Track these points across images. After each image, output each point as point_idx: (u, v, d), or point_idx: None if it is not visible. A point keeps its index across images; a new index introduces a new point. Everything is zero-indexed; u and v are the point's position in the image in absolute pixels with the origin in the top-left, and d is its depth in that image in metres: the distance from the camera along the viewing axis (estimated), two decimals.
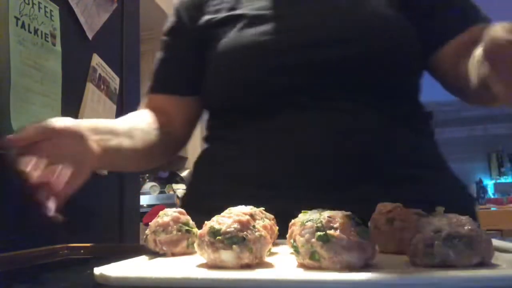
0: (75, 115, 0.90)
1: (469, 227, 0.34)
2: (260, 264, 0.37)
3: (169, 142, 0.74)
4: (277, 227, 0.47)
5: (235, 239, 0.34)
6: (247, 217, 0.37)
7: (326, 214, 0.36)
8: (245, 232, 0.35)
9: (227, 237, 0.35)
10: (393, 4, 0.68)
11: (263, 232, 0.37)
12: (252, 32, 0.67)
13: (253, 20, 0.68)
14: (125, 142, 0.61)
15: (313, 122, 0.62)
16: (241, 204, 0.41)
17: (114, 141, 0.58)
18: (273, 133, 0.64)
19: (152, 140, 0.69)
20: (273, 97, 0.65)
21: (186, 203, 0.72)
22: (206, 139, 0.76)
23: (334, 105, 0.63)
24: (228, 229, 0.35)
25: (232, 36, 0.68)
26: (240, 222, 0.36)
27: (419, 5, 0.69)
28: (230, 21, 0.70)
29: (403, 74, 0.67)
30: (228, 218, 0.36)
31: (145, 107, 0.76)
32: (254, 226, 0.36)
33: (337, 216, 0.36)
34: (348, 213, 0.37)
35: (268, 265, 0.37)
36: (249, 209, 0.45)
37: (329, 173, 0.60)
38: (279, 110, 0.64)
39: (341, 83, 0.63)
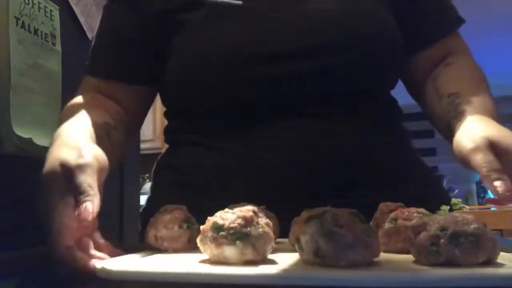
0: None
1: (475, 225, 0.34)
2: (263, 260, 0.36)
3: (127, 131, 0.66)
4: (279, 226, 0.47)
5: (238, 235, 0.34)
6: (251, 213, 0.36)
7: (331, 211, 0.36)
8: (248, 228, 0.35)
9: (230, 233, 0.34)
10: (382, 2, 0.63)
11: (267, 229, 0.36)
12: (225, 29, 0.59)
13: (221, 10, 0.59)
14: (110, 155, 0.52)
15: (300, 133, 0.58)
16: None
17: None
18: (258, 144, 0.58)
19: (119, 139, 0.62)
20: (253, 108, 0.59)
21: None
22: (173, 141, 0.68)
23: (318, 113, 0.58)
24: (232, 225, 0.35)
25: (200, 32, 0.60)
26: (243, 218, 0.35)
27: (405, 7, 0.64)
28: (190, 6, 0.61)
29: (391, 79, 0.65)
30: (231, 214, 0.36)
31: (87, 91, 0.66)
32: (257, 223, 0.36)
33: (342, 213, 0.36)
34: (353, 210, 0.36)
35: (271, 262, 0.37)
36: (252, 206, 0.45)
37: (317, 183, 0.57)
38: (262, 120, 0.58)
39: (327, 92, 0.59)
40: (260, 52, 0.58)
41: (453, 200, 2.05)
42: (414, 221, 0.41)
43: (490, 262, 0.34)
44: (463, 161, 0.46)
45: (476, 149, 0.44)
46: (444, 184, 2.49)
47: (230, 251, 0.35)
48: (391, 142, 0.62)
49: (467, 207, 2.19)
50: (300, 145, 0.57)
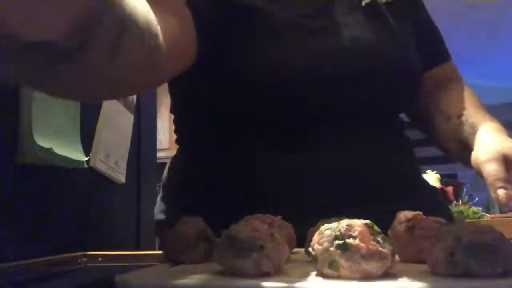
0: (94, 126, 0.91)
1: (492, 235, 0.34)
2: (278, 272, 0.37)
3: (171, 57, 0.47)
4: (295, 236, 0.47)
5: (253, 247, 0.34)
6: (266, 225, 0.37)
7: (345, 222, 0.36)
8: (263, 240, 0.35)
9: (245, 245, 0.35)
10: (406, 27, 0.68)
11: (282, 241, 0.37)
12: (297, 46, 0.60)
13: (296, 28, 0.60)
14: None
15: (334, 148, 0.62)
16: None
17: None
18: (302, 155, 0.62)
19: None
20: (308, 123, 0.63)
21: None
22: (193, 148, 0.69)
23: (355, 131, 0.63)
24: (247, 237, 0.35)
25: (276, 47, 0.59)
26: (258, 230, 0.36)
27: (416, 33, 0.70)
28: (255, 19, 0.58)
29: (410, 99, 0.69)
30: (246, 226, 0.36)
31: None
32: (272, 234, 0.36)
33: (356, 224, 0.36)
34: (367, 221, 0.36)
35: (286, 274, 0.37)
36: (267, 217, 0.45)
37: (339, 195, 0.60)
38: (305, 135, 0.62)
39: (369, 113, 0.64)
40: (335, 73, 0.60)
41: (473, 209, 2.00)
42: (431, 230, 0.41)
43: (509, 272, 0.33)
44: (478, 171, 0.49)
45: (489, 160, 0.48)
46: (464, 192, 2.44)
47: (245, 264, 0.35)
48: (405, 157, 0.67)
49: (488, 215, 2.14)
50: (333, 158, 0.61)
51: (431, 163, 2.82)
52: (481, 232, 0.34)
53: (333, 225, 0.36)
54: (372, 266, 0.33)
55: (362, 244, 0.34)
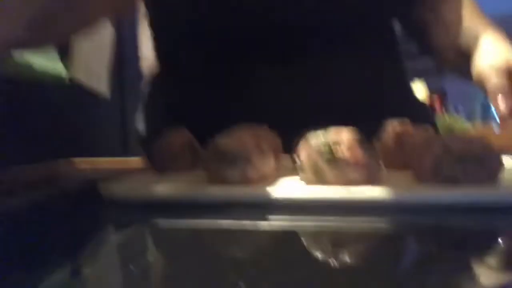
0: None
1: (481, 145, 0.33)
2: (264, 180, 0.37)
3: None
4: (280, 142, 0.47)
5: (239, 158, 0.34)
6: (251, 134, 0.35)
7: (332, 132, 0.35)
8: (248, 151, 0.34)
9: (231, 157, 0.34)
10: None
11: (267, 149, 0.36)
12: None
13: None
14: None
15: (305, 69, 0.59)
16: None
17: None
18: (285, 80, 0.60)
19: None
20: (293, 36, 0.59)
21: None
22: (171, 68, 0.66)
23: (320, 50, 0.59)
24: (232, 149, 0.34)
25: None
26: (243, 141, 0.35)
27: None
28: None
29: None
30: (231, 138, 0.35)
31: None
32: (257, 145, 0.35)
33: (343, 134, 0.35)
34: (353, 131, 0.36)
35: (272, 182, 0.37)
36: (253, 127, 0.44)
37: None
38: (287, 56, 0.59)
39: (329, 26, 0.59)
40: None
41: (456, 118, 2.04)
42: (419, 139, 0.41)
43: (494, 181, 0.34)
44: (480, 79, 0.47)
45: (491, 70, 0.46)
46: (448, 102, 2.47)
47: (231, 172, 0.35)
48: (393, 78, 0.65)
49: (471, 125, 2.19)
50: (304, 81, 0.59)
51: (419, 74, 2.80)
52: (469, 142, 0.34)
53: (320, 135, 0.35)
54: (357, 174, 0.33)
55: (348, 154, 0.33)
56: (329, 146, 0.34)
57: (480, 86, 0.48)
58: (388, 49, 0.67)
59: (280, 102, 0.61)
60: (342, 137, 0.35)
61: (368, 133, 0.48)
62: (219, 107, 0.62)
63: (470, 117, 2.49)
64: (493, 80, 0.45)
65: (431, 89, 2.43)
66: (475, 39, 0.55)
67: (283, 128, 0.47)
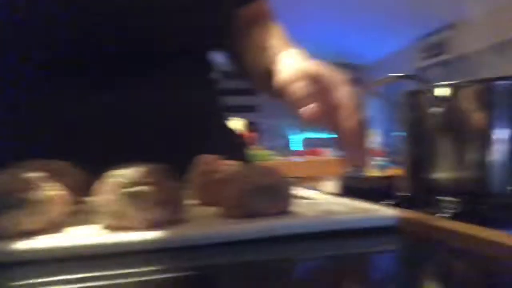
0: None
1: (275, 177, 0.36)
2: (52, 227, 0.31)
3: None
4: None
5: (11, 201, 0.27)
6: (36, 174, 0.29)
7: (135, 167, 0.33)
8: (26, 192, 0.28)
9: (2, 200, 0.27)
10: None
11: (57, 190, 0.30)
12: None
13: None
14: None
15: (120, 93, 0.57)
16: None
17: None
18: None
19: None
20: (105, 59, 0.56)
21: None
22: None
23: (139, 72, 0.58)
24: (4, 190, 0.27)
25: None
26: (20, 180, 0.28)
27: None
28: None
29: (211, 36, 0.66)
30: (6, 176, 0.28)
31: None
32: (40, 185, 0.29)
33: (148, 170, 0.32)
34: (161, 166, 0.34)
35: (62, 229, 0.31)
36: (45, 163, 0.37)
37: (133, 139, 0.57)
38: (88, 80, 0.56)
39: (147, 50, 0.58)
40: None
41: (265, 151, 2.27)
42: (225, 173, 0.41)
43: (286, 210, 0.36)
44: (282, 93, 0.47)
45: (291, 79, 0.46)
46: (263, 138, 2.75)
47: (5, 221, 0.28)
48: (205, 103, 0.65)
49: (279, 158, 2.48)
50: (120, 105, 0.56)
51: (239, 111, 3.05)
52: (268, 175, 0.36)
53: (122, 171, 0.32)
54: (162, 214, 0.31)
55: (154, 191, 0.31)
56: (130, 184, 0.31)
57: (284, 97, 0.47)
58: (205, 83, 0.68)
59: (91, 132, 0.56)
60: (144, 175, 0.32)
61: (181, 167, 0.47)
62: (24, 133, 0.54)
63: (282, 150, 2.82)
64: (294, 85, 0.44)
65: (249, 125, 2.66)
66: (276, 56, 0.57)
67: (93, 163, 0.42)
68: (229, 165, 0.44)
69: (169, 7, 0.57)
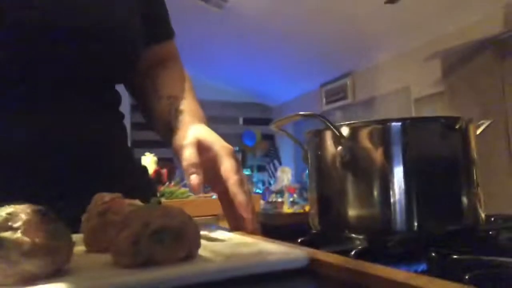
0: None
1: (179, 219, 0.33)
2: None
3: None
4: None
5: None
6: None
7: (7, 210, 0.27)
8: None
9: None
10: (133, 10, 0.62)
11: None
12: None
13: None
14: None
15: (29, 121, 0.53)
16: None
17: None
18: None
19: None
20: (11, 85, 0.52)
21: None
22: None
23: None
24: None
25: None
26: None
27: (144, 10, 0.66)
28: None
29: (123, 72, 0.64)
30: None
31: None
32: None
33: (22, 212, 0.27)
34: (39, 207, 0.28)
35: None
36: None
37: (46, 169, 0.53)
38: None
39: (62, 78, 0.55)
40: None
41: (181, 189, 2.20)
42: (121, 215, 0.37)
43: (191, 256, 0.33)
44: (178, 155, 0.52)
45: (185, 145, 0.51)
46: (176, 174, 2.66)
47: None
48: (110, 135, 0.63)
49: (194, 195, 2.41)
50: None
51: (151, 146, 2.94)
52: (170, 216, 0.32)
53: None
54: (36, 265, 0.26)
55: (25, 238, 0.26)
56: None
57: (179, 160, 0.52)
58: (112, 114, 0.65)
59: None
60: (19, 216, 0.27)
61: (79, 205, 0.42)
62: None
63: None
64: (184, 153, 0.49)
65: (161, 160, 2.57)
66: (178, 114, 0.59)
67: None
68: (128, 205, 0.40)
69: (83, 35, 0.55)
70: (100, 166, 0.59)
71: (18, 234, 0.25)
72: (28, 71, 0.53)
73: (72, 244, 0.30)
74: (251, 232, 0.48)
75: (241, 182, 0.48)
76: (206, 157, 0.50)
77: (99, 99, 0.61)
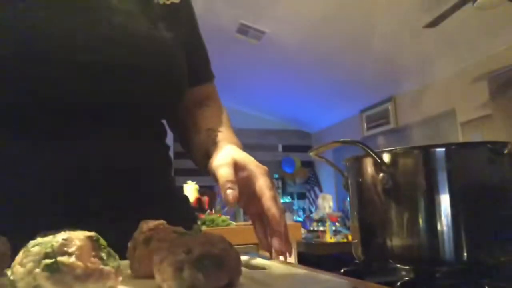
0: None
1: (220, 246, 0.33)
2: None
3: None
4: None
5: None
6: None
7: (62, 236, 0.29)
8: None
9: None
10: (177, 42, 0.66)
11: None
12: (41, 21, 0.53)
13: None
14: None
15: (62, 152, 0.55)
16: None
17: None
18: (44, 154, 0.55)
19: None
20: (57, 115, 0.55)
21: None
22: None
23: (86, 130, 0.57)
24: None
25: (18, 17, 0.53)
26: None
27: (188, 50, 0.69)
28: None
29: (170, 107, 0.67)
30: None
31: None
32: None
33: (76, 238, 0.29)
34: (91, 233, 0.30)
35: None
36: None
37: (83, 199, 0.55)
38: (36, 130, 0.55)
39: (124, 113, 0.59)
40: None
41: (222, 217, 2.22)
42: (166, 242, 0.38)
43: (232, 283, 0.34)
44: (214, 175, 0.53)
45: (222, 164, 0.52)
46: (217, 202, 2.69)
47: None
48: (160, 164, 0.66)
49: (234, 223, 2.42)
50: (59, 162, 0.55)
51: (193, 174, 3.00)
52: (211, 244, 0.33)
53: (45, 239, 0.28)
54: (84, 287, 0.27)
55: (78, 263, 0.27)
56: (52, 252, 0.27)
57: (215, 180, 0.53)
58: (155, 145, 0.67)
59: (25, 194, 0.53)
60: (73, 242, 0.29)
61: (125, 231, 0.44)
62: None
63: (239, 215, 2.77)
64: (220, 171, 0.51)
65: (202, 188, 2.61)
66: (216, 143, 0.62)
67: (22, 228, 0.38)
68: (172, 232, 0.42)
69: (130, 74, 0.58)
70: (142, 193, 0.61)
71: (73, 259, 0.27)
72: (91, 100, 0.56)
73: (120, 269, 0.31)
74: (283, 252, 0.48)
75: (275, 198, 0.49)
76: (241, 176, 0.52)
77: (147, 130, 0.65)
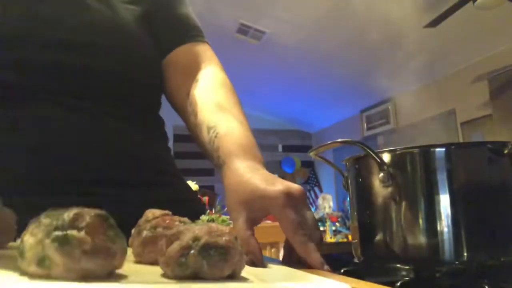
0: None
1: (227, 238, 0.34)
2: None
3: None
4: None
5: None
6: None
7: (75, 211, 0.29)
8: None
9: None
10: (137, 20, 0.65)
11: None
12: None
13: None
14: None
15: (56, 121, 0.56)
16: None
17: None
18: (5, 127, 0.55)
19: None
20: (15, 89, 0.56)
21: None
22: None
23: (75, 105, 0.58)
24: None
25: None
26: None
27: (154, 18, 0.67)
28: None
29: (146, 85, 0.66)
30: None
31: None
32: None
33: (87, 214, 0.29)
34: (102, 212, 0.31)
35: None
36: None
37: (69, 176, 0.55)
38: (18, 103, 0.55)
39: (87, 87, 0.59)
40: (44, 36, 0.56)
41: (222, 217, 2.21)
42: (171, 229, 0.39)
43: (234, 276, 0.34)
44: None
45: (236, 218, 0.48)
46: (217, 202, 2.69)
47: None
48: (149, 142, 0.64)
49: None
50: (55, 134, 0.55)
51: (193, 174, 3.01)
52: (219, 234, 0.33)
53: (57, 212, 0.29)
54: (94, 264, 0.28)
55: (88, 238, 0.28)
56: (63, 225, 0.28)
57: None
58: (158, 132, 0.68)
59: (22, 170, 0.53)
60: (85, 217, 0.29)
61: (129, 218, 0.44)
62: None
63: None
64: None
65: (202, 188, 2.62)
66: (226, 158, 0.55)
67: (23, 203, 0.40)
68: (178, 222, 0.42)
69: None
70: (146, 176, 0.62)
71: (82, 234, 0.27)
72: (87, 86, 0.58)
73: (126, 250, 0.31)
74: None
75: (305, 244, 0.45)
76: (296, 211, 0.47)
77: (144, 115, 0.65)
